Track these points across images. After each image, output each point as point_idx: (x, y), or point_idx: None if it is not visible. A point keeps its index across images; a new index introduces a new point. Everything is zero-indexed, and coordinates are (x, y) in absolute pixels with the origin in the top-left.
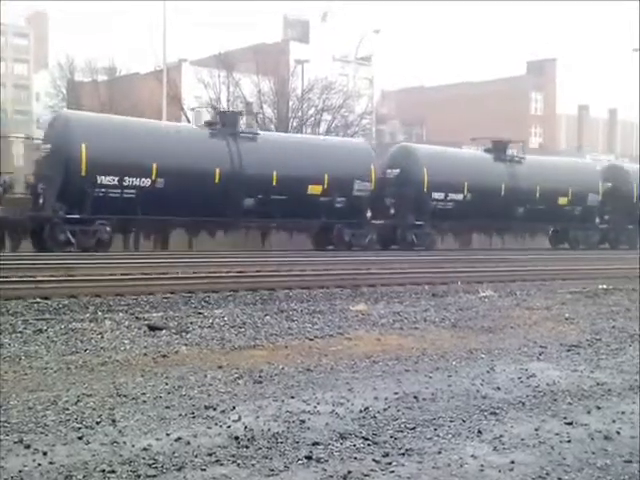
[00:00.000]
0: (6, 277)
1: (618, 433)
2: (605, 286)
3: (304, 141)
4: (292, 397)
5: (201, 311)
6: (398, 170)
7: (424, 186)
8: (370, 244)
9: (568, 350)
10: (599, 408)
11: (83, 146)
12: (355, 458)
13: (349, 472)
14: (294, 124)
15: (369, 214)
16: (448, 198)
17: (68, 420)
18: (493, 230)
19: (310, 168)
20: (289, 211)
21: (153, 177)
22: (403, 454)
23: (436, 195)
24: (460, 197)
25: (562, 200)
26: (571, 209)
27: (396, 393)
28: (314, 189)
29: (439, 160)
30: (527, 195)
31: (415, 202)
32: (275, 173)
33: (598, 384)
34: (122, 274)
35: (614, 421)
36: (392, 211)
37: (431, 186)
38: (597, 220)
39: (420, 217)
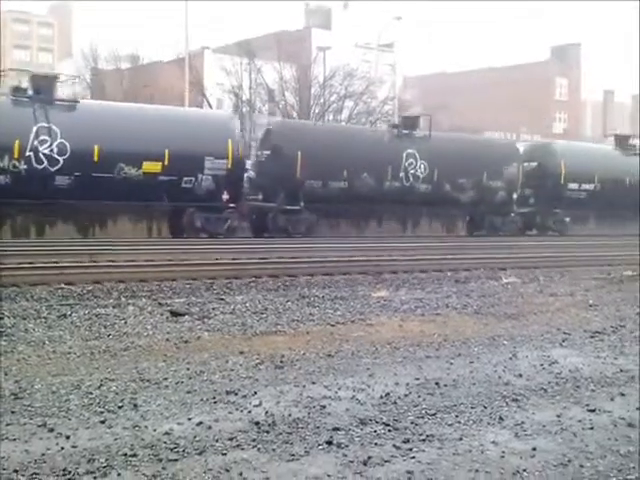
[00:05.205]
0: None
1: None
2: (630, 272)
3: (139, 111)
4: (313, 382)
5: (223, 297)
6: (269, 152)
7: (296, 169)
8: (231, 231)
9: (592, 337)
10: (623, 395)
11: None
12: (375, 444)
13: (369, 457)
14: (316, 111)
15: (225, 196)
16: (330, 184)
17: (91, 404)
18: (389, 215)
19: (145, 142)
20: (119, 192)
21: None
22: (424, 440)
23: (311, 181)
24: (342, 184)
25: (470, 182)
26: (487, 191)
27: (417, 379)
28: (151, 166)
29: (315, 140)
30: (429, 176)
31: (290, 184)
32: (97, 147)
33: (622, 371)
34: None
35: (638, 408)
36: (261, 195)
37: (303, 168)
38: (516, 204)
39: (296, 201)
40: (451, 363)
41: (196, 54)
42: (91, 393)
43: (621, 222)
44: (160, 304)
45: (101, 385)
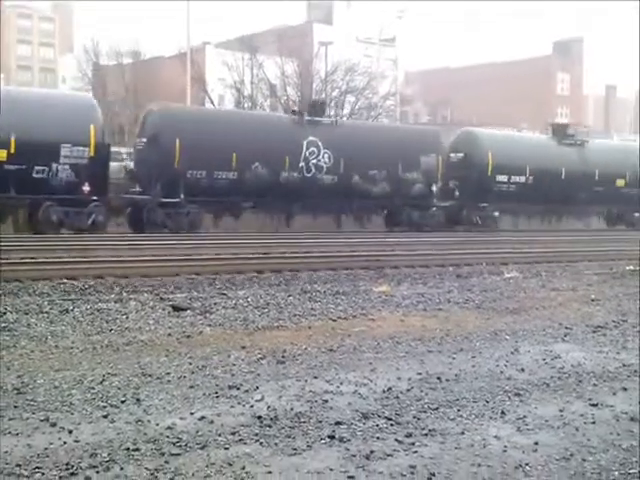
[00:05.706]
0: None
1: None
2: (632, 267)
3: None
4: (315, 377)
5: (225, 292)
6: (145, 139)
7: (175, 158)
8: (97, 226)
9: (594, 331)
10: (625, 389)
11: None
12: (378, 438)
13: (372, 452)
14: None
15: (87, 188)
16: (216, 175)
17: (93, 399)
18: (284, 208)
19: None
20: None
21: None
22: (426, 434)
23: (193, 171)
24: (231, 175)
25: (383, 173)
26: (403, 183)
27: (419, 374)
28: None
29: (198, 126)
30: (335, 166)
31: (168, 174)
32: None
33: (624, 365)
34: None
35: None
36: (138, 187)
37: (183, 157)
38: (436, 198)
39: (175, 193)
40: (453, 358)
41: (198, 49)
42: (93, 388)
43: (556, 217)
44: (162, 299)
45: (103, 380)
